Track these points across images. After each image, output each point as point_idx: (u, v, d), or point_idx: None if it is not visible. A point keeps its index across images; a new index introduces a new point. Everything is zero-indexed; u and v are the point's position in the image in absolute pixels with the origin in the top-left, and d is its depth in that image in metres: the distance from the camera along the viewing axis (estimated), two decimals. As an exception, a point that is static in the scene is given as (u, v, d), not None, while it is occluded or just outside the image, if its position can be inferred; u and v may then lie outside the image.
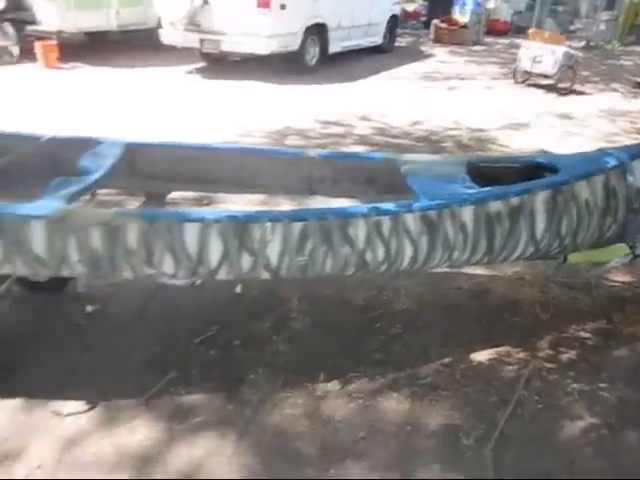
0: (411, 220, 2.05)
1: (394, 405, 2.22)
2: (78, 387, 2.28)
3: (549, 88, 8.35)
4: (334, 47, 9.31)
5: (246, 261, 2.00)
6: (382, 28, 10.86)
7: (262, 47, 7.81)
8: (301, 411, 2.18)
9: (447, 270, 2.88)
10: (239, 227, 1.95)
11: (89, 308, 2.80)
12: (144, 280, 2.09)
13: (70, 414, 2.15)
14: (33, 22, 9.08)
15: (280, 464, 1.96)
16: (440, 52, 11.77)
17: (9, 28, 8.85)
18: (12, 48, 8.94)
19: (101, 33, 9.46)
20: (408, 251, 2.09)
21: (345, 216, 2.02)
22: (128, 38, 9.92)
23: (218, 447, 2.01)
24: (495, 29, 14.61)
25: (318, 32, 8.75)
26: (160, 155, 2.69)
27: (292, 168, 2.82)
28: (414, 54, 11.50)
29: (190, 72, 8.81)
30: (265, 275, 2.07)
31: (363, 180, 2.75)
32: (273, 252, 2.00)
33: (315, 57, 8.91)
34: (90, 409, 2.18)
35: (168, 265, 1.96)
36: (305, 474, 1.92)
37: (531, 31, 11.53)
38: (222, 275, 2.02)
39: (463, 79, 9.00)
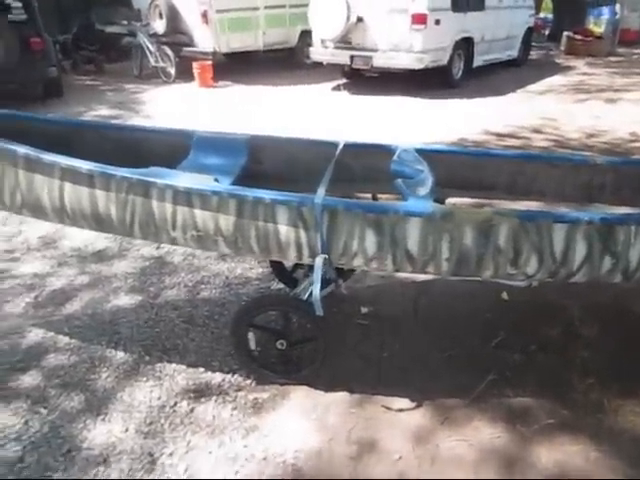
0: None
1: None
2: (395, 384, 2.35)
3: None
4: (477, 61, 9.25)
5: (606, 264, 1.98)
6: (518, 41, 10.66)
7: (416, 62, 7.88)
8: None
9: None
10: (605, 229, 1.93)
11: (364, 309, 2.89)
12: (502, 279, 2.12)
13: (402, 410, 2.21)
14: (189, 44, 9.73)
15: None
16: (577, 64, 11.35)
17: (168, 50, 9.51)
18: (170, 69, 9.60)
19: (247, 53, 9.93)
20: None
21: None
22: (271, 57, 10.35)
23: (577, 450, 1.99)
24: (626, 39, 13.91)
25: (464, 46, 8.72)
26: (440, 161, 2.72)
27: (570, 175, 2.79)
28: (550, 66, 11.17)
29: (336, 89, 9.05)
30: (618, 279, 2.04)
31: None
32: (634, 256, 1.96)
33: (460, 71, 8.87)
34: (417, 406, 2.23)
35: (532, 266, 1.97)
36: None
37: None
38: (579, 277, 2.01)
39: (616, 91, 8.61)
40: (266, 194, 1.96)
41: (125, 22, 10.03)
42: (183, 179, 2.05)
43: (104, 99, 8.40)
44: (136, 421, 2.19)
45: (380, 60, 8.14)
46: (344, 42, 8.34)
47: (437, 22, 7.84)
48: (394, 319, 2.81)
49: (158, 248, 3.66)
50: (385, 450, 2.02)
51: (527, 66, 11.08)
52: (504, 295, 2.94)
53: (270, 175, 2.67)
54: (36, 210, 2.25)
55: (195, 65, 9.21)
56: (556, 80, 9.64)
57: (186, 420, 2.18)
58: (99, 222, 2.15)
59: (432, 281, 3.03)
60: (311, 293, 2.05)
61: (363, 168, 2.72)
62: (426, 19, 7.65)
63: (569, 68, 10.91)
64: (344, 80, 9.44)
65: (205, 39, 9.39)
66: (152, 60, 9.72)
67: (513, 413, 2.17)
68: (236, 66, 9.84)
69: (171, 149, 2.63)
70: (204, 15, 9.05)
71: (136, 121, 6.88)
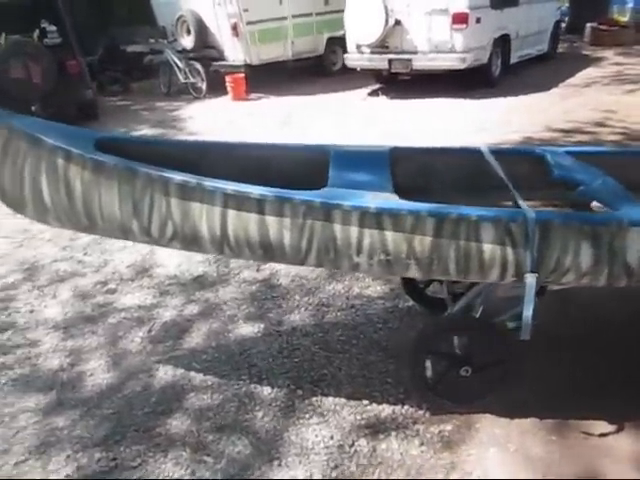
0: None
1: None
2: (582, 406, 2.16)
3: None
4: (514, 58, 9.10)
5: None
6: (548, 35, 10.51)
7: (459, 62, 7.73)
8: None
9: None
10: None
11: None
12: None
13: (604, 435, 2.02)
14: (219, 58, 9.61)
15: None
16: (606, 54, 11.17)
17: (197, 65, 9.39)
18: (200, 84, 9.48)
19: (276, 63, 9.80)
20: None
21: None
22: (299, 66, 10.22)
23: None
24: (648, 27, 13.74)
25: (502, 44, 8.57)
26: (599, 163, 2.55)
27: None
28: (580, 59, 10.99)
29: (373, 94, 8.89)
30: None
31: None
32: None
33: (498, 69, 8.71)
34: (619, 429, 2.05)
35: None
36: None
37: None
38: None
39: (663, 79, 8.43)
40: (471, 211, 1.78)
41: (152, 40, 9.90)
42: (367, 199, 1.88)
43: (142, 118, 8.27)
44: (318, 464, 2.01)
45: (420, 62, 7.99)
46: (381, 46, 8.19)
47: (478, 20, 7.69)
48: (554, 333, 2.61)
49: (258, 270, 3.49)
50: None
51: (557, 60, 10.91)
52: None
53: (409, 187, 2.50)
54: (191, 241, 2.07)
55: (228, 79, 9.09)
56: (593, 72, 9.46)
57: (373, 460, 2.00)
58: (267, 250, 1.98)
59: (571, 293, 2.85)
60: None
61: (509, 175, 2.54)
62: (467, 18, 7.50)
63: (600, 59, 10.73)
64: (378, 85, 9.29)
65: (235, 52, 9.27)
66: (181, 77, 9.61)
67: None
68: (265, 77, 9.70)
69: (304, 167, 2.47)
70: (234, 28, 8.93)
71: (182, 138, 6.73)
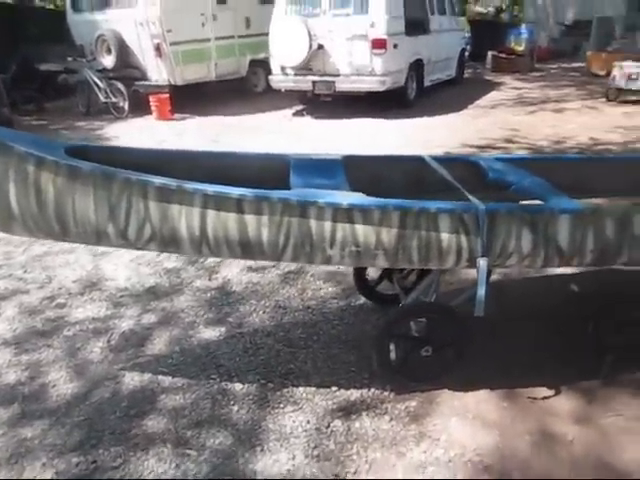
0: None
1: None
2: (524, 375, 2.46)
3: (646, 103, 8.74)
4: (427, 81, 9.78)
5: None
6: (455, 62, 11.40)
7: (379, 84, 8.22)
8: None
9: None
10: None
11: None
12: (634, 265, 2.30)
13: (547, 397, 2.33)
14: (141, 78, 9.54)
15: None
16: (506, 80, 12.27)
17: (119, 85, 9.28)
18: (122, 104, 9.36)
19: (199, 84, 9.88)
20: None
21: None
22: (222, 87, 10.35)
23: None
24: (539, 56, 15.20)
25: (416, 68, 9.20)
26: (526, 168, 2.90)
27: (621, 171, 3.08)
28: (484, 83, 12.00)
29: (297, 114, 9.20)
30: None
31: None
32: None
33: (414, 92, 9.32)
34: (558, 392, 2.36)
35: None
36: None
37: (589, 53, 12.13)
38: None
39: (556, 102, 9.41)
40: (430, 204, 2.03)
41: (69, 59, 9.65)
42: (338, 197, 2.08)
43: (64, 137, 8.02)
44: (299, 446, 2.15)
45: (343, 84, 8.40)
46: (305, 69, 8.54)
47: (395, 46, 8.24)
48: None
49: (211, 279, 3.58)
50: (556, 435, 2.12)
51: (464, 84, 11.84)
52: (573, 287, 3.16)
53: (362, 190, 2.73)
54: (169, 242, 2.17)
55: (152, 98, 9.04)
56: (497, 95, 10.37)
57: (349, 438, 2.17)
58: (246, 248, 2.11)
59: (501, 281, 3.21)
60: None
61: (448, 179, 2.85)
62: (386, 43, 8.03)
63: (501, 84, 11.76)
64: (302, 106, 9.62)
65: (159, 72, 9.26)
66: (102, 96, 9.44)
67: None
68: (189, 98, 9.74)
69: (266, 174, 2.63)
70: (158, 48, 8.95)
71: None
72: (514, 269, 2.82)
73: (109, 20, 9.31)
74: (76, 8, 9.97)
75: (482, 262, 2.06)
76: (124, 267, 3.82)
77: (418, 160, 2.84)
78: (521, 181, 2.49)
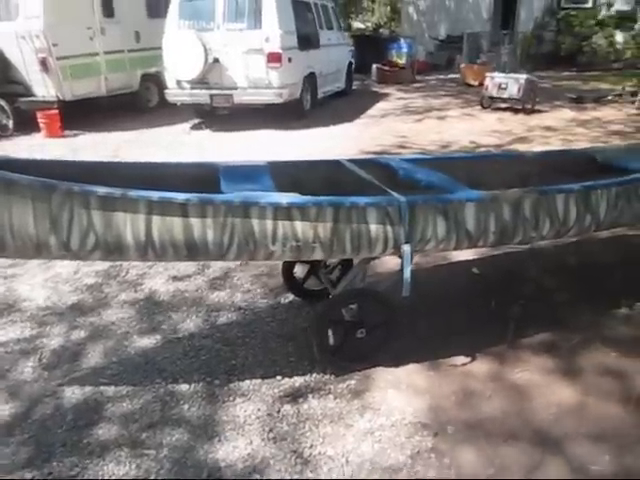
0: None
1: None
2: (442, 348, 2.80)
3: (514, 110, 9.79)
4: (320, 93, 10.22)
5: (587, 220, 2.69)
6: (344, 74, 12.00)
7: (276, 97, 8.48)
8: None
9: None
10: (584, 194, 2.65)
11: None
12: (526, 243, 2.71)
13: (465, 364, 2.68)
14: (25, 94, 9.05)
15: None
16: (391, 91, 13.08)
17: (1, 102, 8.75)
18: (6, 121, 8.83)
19: (90, 100, 9.56)
20: None
21: None
22: (114, 103, 10.07)
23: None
24: (419, 68, 16.36)
25: (310, 80, 9.60)
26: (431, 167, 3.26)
27: (507, 167, 3.56)
28: (372, 94, 12.71)
29: (196, 127, 9.21)
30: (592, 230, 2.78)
31: None
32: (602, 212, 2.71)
33: (308, 103, 9.71)
34: (474, 359, 2.72)
35: (546, 228, 2.60)
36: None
37: (462, 66, 13.31)
38: (573, 233, 2.69)
39: (440, 110, 10.24)
40: (359, 199, 2.29)
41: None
42: (277, 197, 2.27)
43: (-58, 160, 7.41)
44: (255, 432, 2.30)
45: (241, 97, 8.57)
46: (202, 82, 8.60)
47: (289, 60, 8.56)
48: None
49: (136, 291, 3.60)
50: (476, 393, 2.46)
51: (353, 95, 12.47)
52: (475, 270, 3.59)
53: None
54: (114, 250, 2.23)
55: (40, 115, 8.61)
56: (385, 105, 11.06)
57: (301, 418, 2.36)
58: (192, 250, 2.23)
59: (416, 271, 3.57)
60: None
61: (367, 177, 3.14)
62: (281, 57, 8.32)
63: (387, 95, 12.54)
64: (199, 119, 9.63)
65: (46, 87, 8.83)
66: (-20, 114, 8.83)
67: (544, 345, 2.78)
68: (80, 114, 9.38)
69: (196, 182, 2.75)
70: (43, 63, 8.55)
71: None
72: (431, 253, 3.17)
73: (-15, 33, 8.74)
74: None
75: (406, 248, 2.35)
76: (40, 287, 3.72)
77: (335, 163, 3.11)
78: (428, 177, 2.83)
